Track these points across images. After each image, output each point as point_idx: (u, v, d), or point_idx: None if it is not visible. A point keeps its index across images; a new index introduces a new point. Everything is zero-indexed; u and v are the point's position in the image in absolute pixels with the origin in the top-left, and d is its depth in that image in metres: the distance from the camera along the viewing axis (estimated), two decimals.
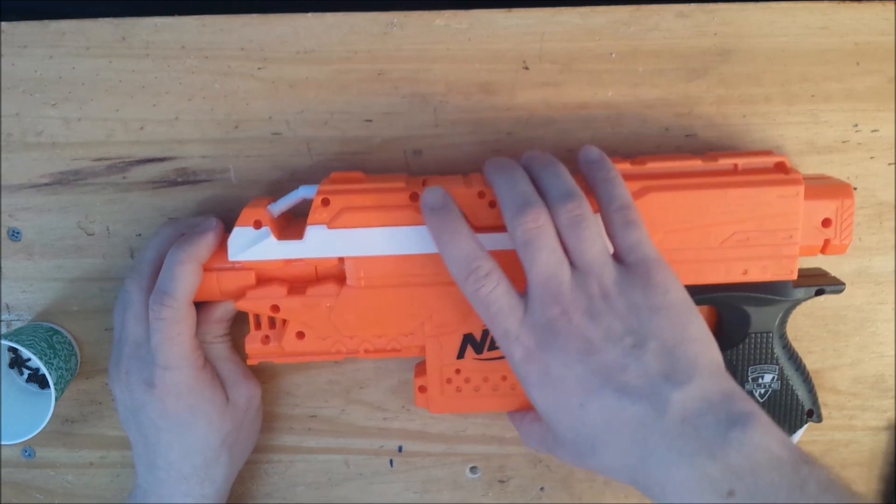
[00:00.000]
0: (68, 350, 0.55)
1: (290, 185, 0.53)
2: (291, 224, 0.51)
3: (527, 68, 0.52)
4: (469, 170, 0.54)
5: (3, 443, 0.54)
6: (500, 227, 0.48)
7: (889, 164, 0.54)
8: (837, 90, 0.53)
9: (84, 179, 0.54)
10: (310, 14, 0.51)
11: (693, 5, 0.52)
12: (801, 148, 0.54)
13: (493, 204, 0.48)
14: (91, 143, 0.53)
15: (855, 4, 0.52)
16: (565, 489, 0.59)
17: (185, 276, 0.47)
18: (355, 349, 0.51)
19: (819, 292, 0.50)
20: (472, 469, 0.59)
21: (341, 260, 0.49)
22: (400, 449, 0.59)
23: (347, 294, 0.48)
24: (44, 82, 0.52)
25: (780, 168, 0.48)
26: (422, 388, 0.51)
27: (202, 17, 0.51)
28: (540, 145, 0.53)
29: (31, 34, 0.52)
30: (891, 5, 0.52)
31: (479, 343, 0.50)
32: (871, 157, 0.54)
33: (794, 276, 0.48)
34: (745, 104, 0.53)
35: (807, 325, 0.56)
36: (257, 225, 0.48)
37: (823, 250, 0.49)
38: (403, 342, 0.50)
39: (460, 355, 0.50)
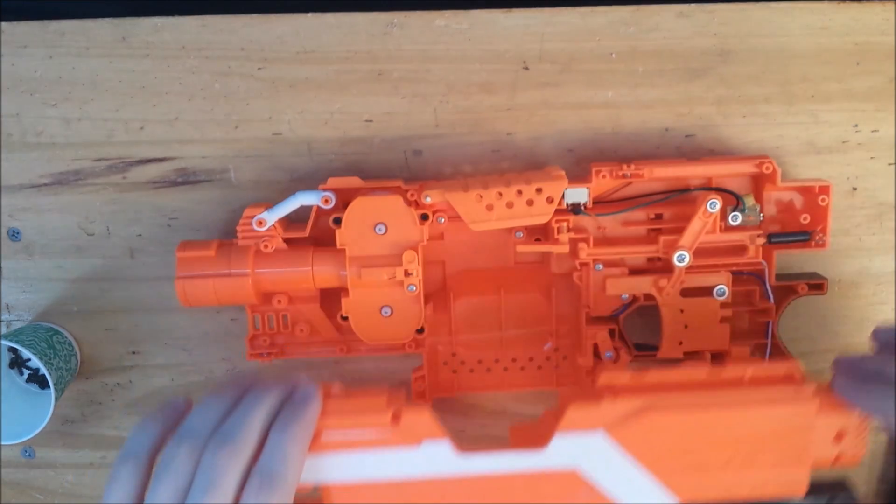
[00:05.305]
0: (68, 350, 0.55)
1: (290, 185, 0.54)
2: (289, 230, 0.51)
3: (527, 68, 0.52)
4: (469, 170, 0.54)
5: (3, 443, 0.54)
6: (497, 231, 0.49)
7: (889, 165, 0.54)
8: (837, 90, 0.53)
9: (84, 179, 0.54)
10: (310, 14, 0.51)
11: (693, 5, 0.51)
12: (801, 148, 0.54)
13: (490, 207, 0.48)
14: (91, 143, 0.53)
15: (855, 4, 0.52)
16: None
17: (301, 460, 0.40)
18: (357, 349, 0.52)
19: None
20: None
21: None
22: None
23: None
24: (44, 82, 0.52)
25: (791, 379, 0.44)
26: None
27: (202, 17, 0.51)
28: (540, 145, 0.53)
29: (31, 34, 0.52)
30: (891, 5, 0.52)
31: None
32: (871, 158, 0.54)
33: (803, 493, 0.44)
34: (745, 104, 0.53)
35: (807, 325, 0.56)
36: None
37: (835, 463, 0.45)
38: None
39: None
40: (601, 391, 0.44)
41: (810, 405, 0.43)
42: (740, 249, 0.51)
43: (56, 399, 0.52)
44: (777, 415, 0.43)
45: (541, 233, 0.53)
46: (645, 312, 0.53)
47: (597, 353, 0.53)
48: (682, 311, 0.52)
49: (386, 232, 0.49)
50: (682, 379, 0.45)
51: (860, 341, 0.57)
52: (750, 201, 0.51)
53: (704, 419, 0.43)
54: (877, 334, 0.46)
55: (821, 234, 0.52)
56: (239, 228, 0.51)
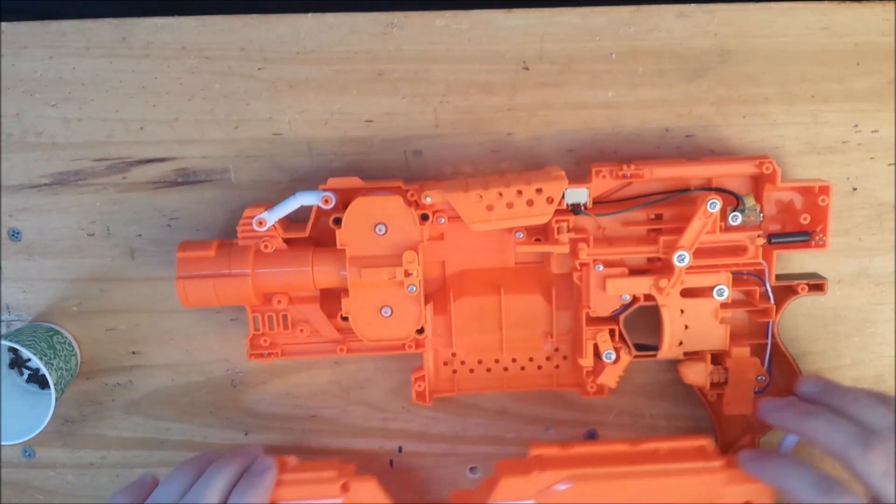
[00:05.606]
0: (68, 350, 0.55)
1: (290, 185, 0.54)
2: (289, 230, 0.51)
3: (527, 68, 0.52)
4: (469, 170, 0.54)
5: (3, 443, 0.54)
6: (497, 231, 0.49)
7: (889, 165, 0.54)
8: (837, 90, 0.53)
9: (84, 180, 0.54)
10: (310, 14, 0.51)
11: (693, 6, 0.52)
12: (801, 148, 0.54)
13: (490, 208, 0.48)
14: (91, 143, 0.53)
15: (855, 5, 0.52)
16: None
17: None
18: (357, 349, 0.52)
19: None
20: (472, 469, 0.59)
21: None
22: (400, 449, 0.59)
23: None
24: (44, 82, 0.52)
25: (702, 452, 0.50)
26: None
27: (202, 17, 0.51)
28: (540, 145, 0.53)
29: (31, 34, 0.52)
30: (891, 5, 0.52)
31: None
32: (871, 158, 0.54)
33: None
34: (745, 104, 0.53)
35: (807, 325, 0.56)
36: None
37: None
38: None
39: None
40: (531, 463, 0.49)
41: (718, 476, 0.49)
42: (740, 249, 0.51)
43: (56, 399, 0.52)
44: (688, 484, 0.49)
45: (541, 233, 0.53)
46: (645, 312, 0.53)
47: (597, 353, 0.53)
48: (682, 311, 0.52)
49: (386, 232, 0.49)
50: (604, 452, 0.51)
51: (860, 341, 0.57)
52: (750, 201, 0.51)
53: (624, 488, 0.49)
54: (802, 384, 0.50)
55: (821, 234, 0.52)
56: (239, 228, 0.51)
